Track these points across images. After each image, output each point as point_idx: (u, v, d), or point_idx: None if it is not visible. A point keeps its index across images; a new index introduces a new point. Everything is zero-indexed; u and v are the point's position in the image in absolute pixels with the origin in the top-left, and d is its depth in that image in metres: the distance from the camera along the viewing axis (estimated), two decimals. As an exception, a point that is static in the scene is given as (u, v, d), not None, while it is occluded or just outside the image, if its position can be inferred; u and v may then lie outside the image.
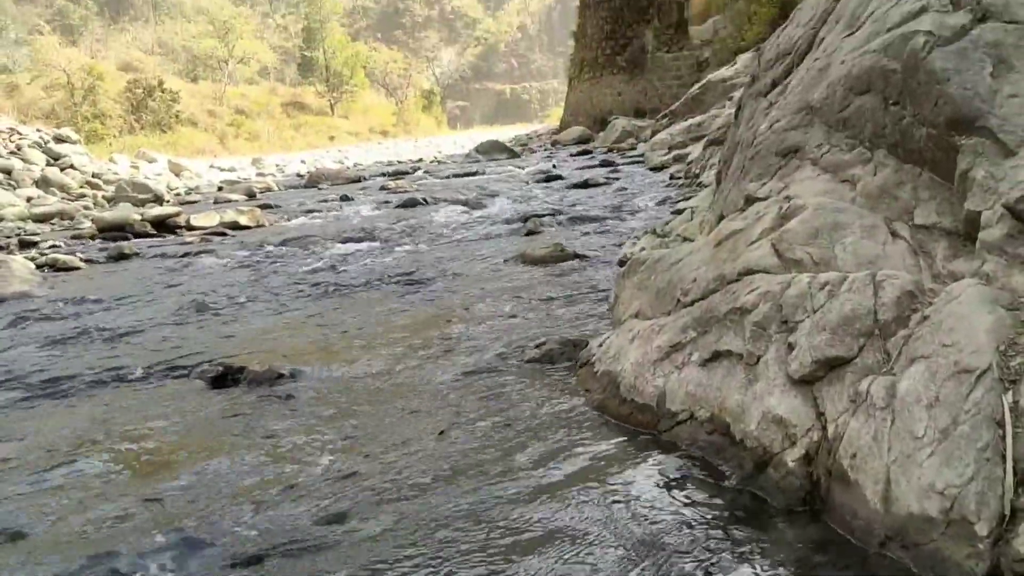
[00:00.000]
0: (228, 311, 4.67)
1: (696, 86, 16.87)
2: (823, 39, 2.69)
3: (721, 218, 2.74)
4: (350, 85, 69.37)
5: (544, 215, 7.67)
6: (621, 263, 4.17)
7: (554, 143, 26.03)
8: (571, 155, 18.89)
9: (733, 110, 11.20)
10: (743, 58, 16.21)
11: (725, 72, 15.96)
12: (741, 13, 19.89)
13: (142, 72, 60.66)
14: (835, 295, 1.82)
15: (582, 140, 24.67)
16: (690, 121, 14.50)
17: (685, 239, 3.66)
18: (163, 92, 54.23)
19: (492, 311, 4.00)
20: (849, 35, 2.50)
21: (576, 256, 5.30)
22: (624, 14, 27.90)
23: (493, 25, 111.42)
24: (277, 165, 27.60)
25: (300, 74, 72.11)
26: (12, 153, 15.38)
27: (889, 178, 2.18)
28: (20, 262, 7.29)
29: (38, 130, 17.39)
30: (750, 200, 2.52)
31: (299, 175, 22.35)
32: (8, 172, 14.49)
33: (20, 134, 16.31)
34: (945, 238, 2.00)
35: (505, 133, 50.38)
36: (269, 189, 16.14)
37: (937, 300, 1.70)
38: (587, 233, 6.52)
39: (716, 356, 2.04)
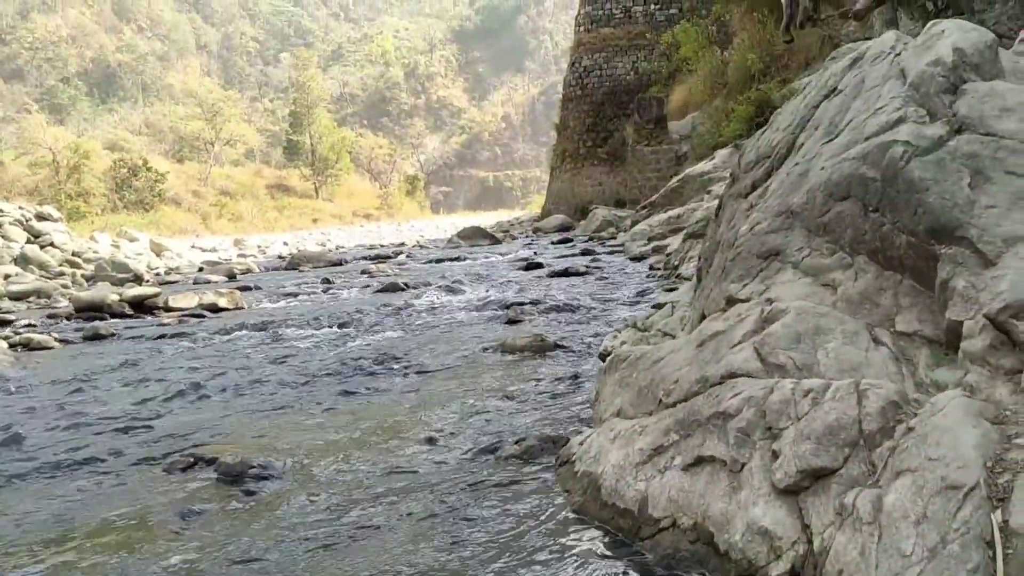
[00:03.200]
0: (201, 397, 4.58)
1: (675, 179, 17.19)
2: (802, 144, 2.74)
3: (703, 317, 2.74)
4: (335, 169, 70.19)
5: (525, 303, 7.67)
6: (602, 356, 4.15)
7: (535, 230, 26.31)
8: (552, 243, 19.07)
9: (711, 203, 11.38)
10: (721, 153, 16.58)
11: (703, 167, 16.28)
12: (719, 110, 20.42)
13: (128, 152, 61.22)
14: (819, 403, 1.81)
15: (563, 228, 24.96)
16: (669, 213, 14.72)
17: (666, 334, 3.65)
18: (148, 171, 54.63)
19: (471, 403, 3.95)
20: (828, 142, 2.55)
21: (556, 346, 5.28)
22: (605, 108, 28.65)
23: (478, 115, 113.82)
24: (259, 246, 27.67)
25: (286, 157, 73.00)
26: (-12, 232, 15.31)
27: (870, 284, 2.19)
28: (-3, 344, 7.18)
29: (20, 207, 17.36)
30: (732, 301, 2.53)
31: (280, 257, 22.38)
32: (-16, 249, 14.42)
33: (1, 211, 16.26)
34: (927, 346, 2.00)
35: (487, 219, 50.88)
36: (250, 271, 16.12)
37: (922, 411, 1.69)
38: (568, 323, 6.51)
39: (699, 461, 2.01)
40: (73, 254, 16.27)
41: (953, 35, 2.39)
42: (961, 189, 2.04)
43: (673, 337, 3.68)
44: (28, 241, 15.86)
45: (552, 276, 10.87)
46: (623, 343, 3.82)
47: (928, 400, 1.74)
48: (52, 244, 16.16)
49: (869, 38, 11.02)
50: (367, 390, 4.48)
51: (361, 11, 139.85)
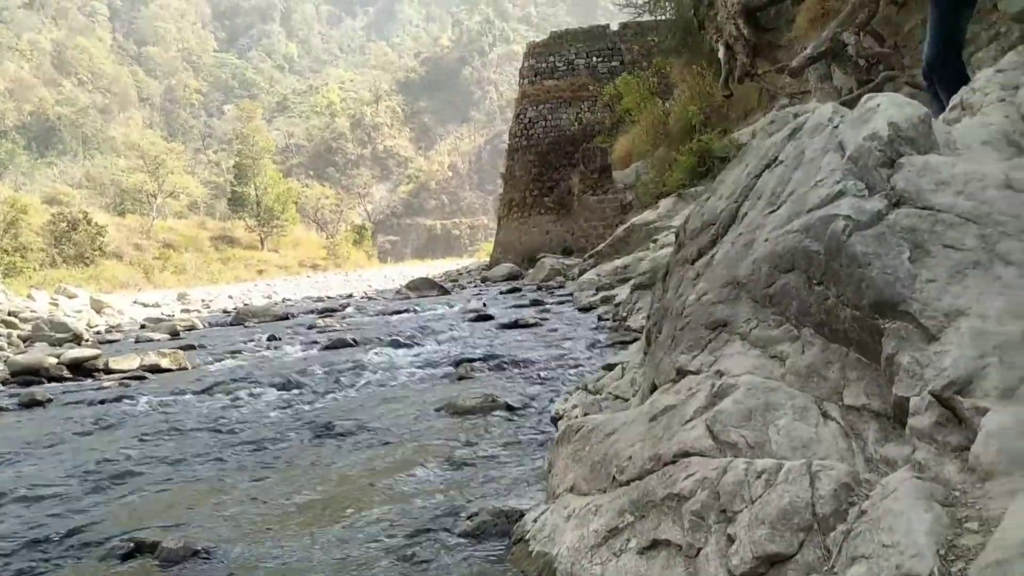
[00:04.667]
0: (142, 473, 4.43)
1: (621, 228, 17.41)
2: (746, 214, 2.78)
3: (654, 386, 2.74)
4: (281, 220, 69.72)
5: (475, 359, 7.63)
6: (554, 420, 4.13)
7: (484, 279, 26.34)
8: (501, 292, 19.07)
9: (657, 253, 11.46)
10: (665, 202, 16.86)
11: (648, 216, 16.53)
12: (662, 160, 20.80)
13: (67, 205, 60.20)
14: (772, 485, 1.80)
15: (511, 277, 25.06)
16: (616, 263, 14.89)
17: (617, 397, 3.65)
18: (88, 225, 53.69)
19: (422, 472, 3.87)
20: (771, 212, 2.59)
21: (508, 407, 5.24)
22: (551, 158, 29.05)
23: (424, 164, 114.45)
24: (203, 300, 27.20)
25: (230, 208, 72.35)
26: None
27: (817, 357, 2.21)
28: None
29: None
30: (682, 372, 2.53)
31: (226, 311, 22.05)
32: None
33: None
34: (875, 420, 2.02)
35: (436, 268, 50.81)
36: (194, 327, 15.83)
37: (873, 493, 1.70)
38: (518, 379, 6.48)
39: (655, 544, 1.99)
40: (9, 314, 15.83)
41: (888, 110, 2.46)
42: (902, 263, 2.08)
43: (625, 400, 3.68)
44: (-40, 302, 15.42)
45: (502, 328, 10.85)
46: (574, 407, 3.81)
47: (879, 480, 1.75)
48: (-16, 305, 15.72)
49: (806, 91, 11.39)
50: (313, 461, 4.38)
51: (306, 63, 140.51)
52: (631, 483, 2.22)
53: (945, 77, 4.24)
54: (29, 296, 19.18)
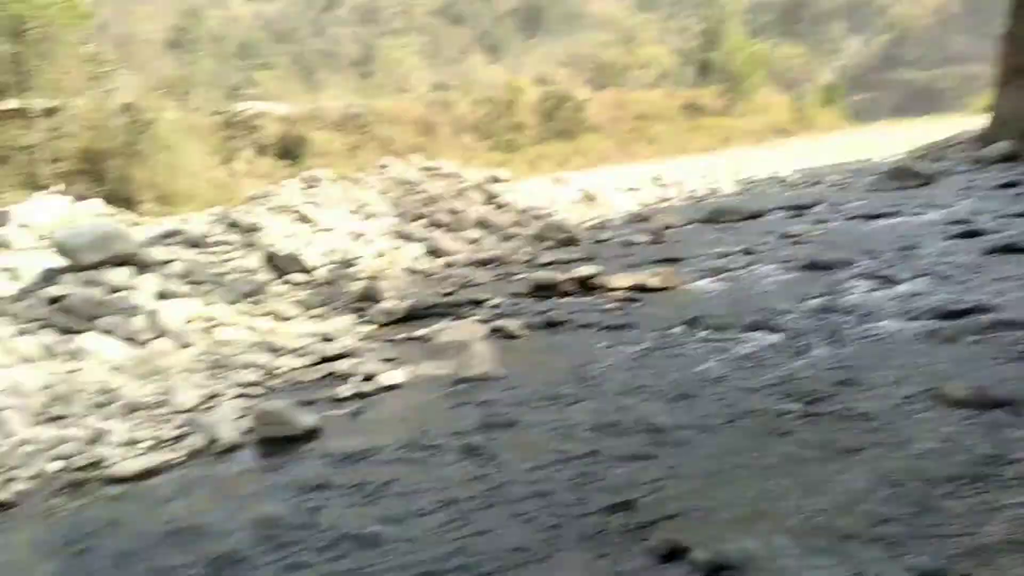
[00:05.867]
0: (646, 438, 5.19)
1: None
2: None
3: None
4: (748, 84, 69.01)
5: (960, 312, 7.46)
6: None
7: (976, 161, 23.81)
8: (995, 187, 17.30)
9: None
10: None
11: None
12: None
13: (553, 84, 65.90)
14: None
15: (1011, 157, 22.49)
16: None
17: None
18: (571, 102, 58.60)
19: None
20: None
21: (998, 404, 5.10)
22: (1067, 14, 24.65)
23: (906, 8, 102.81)
24: (676, 184, 28.45)
25: (698, 76, 73.19)
26: (454, 198, 17.91)
27: None
28: (478, 334, 8.79)
29: (479, 172, 20.00)
30: None
31: (699, 199, 23.20)
32: (455, 213, 16.95)
33: (461, 179, 18.93)
34: None
35: (914, 132, 46.30)
36: (669, 226, 17.02)
37: None
38: (1007, 357, 6.23)
39: None
40: (520, 212, 18.35)
41: None
42: None
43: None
44: (484, 203, 18.30)
45: (990, 253, 10.13)
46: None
47: None
48: (502, 206, 18.44)
49: None
50: (783, 455, 4.75)
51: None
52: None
53: None
54: (531, 194, 21.96)
